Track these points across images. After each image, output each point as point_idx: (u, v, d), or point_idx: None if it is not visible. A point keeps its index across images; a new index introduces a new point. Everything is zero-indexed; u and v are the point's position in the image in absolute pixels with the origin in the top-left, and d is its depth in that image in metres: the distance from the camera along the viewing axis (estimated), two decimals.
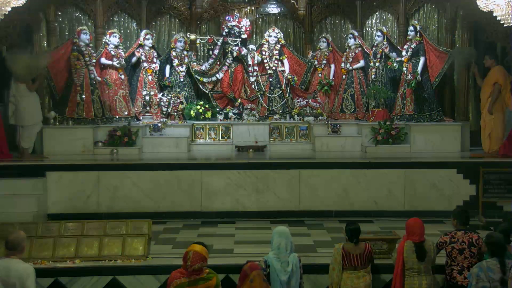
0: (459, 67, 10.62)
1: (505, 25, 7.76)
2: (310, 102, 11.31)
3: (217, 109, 11.42)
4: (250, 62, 11.45)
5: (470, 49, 10.40)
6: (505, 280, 4.91)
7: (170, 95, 11.06)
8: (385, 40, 10.94)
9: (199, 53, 12.22)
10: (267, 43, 11.55)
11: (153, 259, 6.83)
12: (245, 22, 11.59)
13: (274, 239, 5.62)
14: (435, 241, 6.13)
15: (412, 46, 10.57)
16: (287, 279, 5.36)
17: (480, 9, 8.08)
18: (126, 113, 10.92)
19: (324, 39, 11.73)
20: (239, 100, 11.43)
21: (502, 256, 5.05)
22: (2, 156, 9.19)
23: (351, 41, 11.41)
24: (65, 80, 10.37)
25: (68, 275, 6.55)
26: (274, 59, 11.48)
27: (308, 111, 11.21)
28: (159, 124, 10.59)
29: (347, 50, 11.54)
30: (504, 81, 9.45)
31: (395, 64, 10.62)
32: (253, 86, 11.52)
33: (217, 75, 11.49)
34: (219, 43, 11.59)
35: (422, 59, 10.50)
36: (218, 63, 11.65)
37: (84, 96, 10.19)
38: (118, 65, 10.80)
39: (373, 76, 11.09)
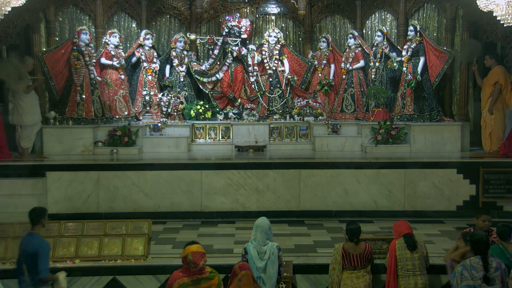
0: (463, 59, 10.48)
1: (505, 25, 7.76)
2: (310, 102, 11.31)
3: (217, 109, 11.42)
4: (250, 62, 11.44)
5: (476, 43, 10.15)
6: (488, 277, 4.99)
7: (170, 95, 11.06)
8: (385, 40, 10.93)
9: (199, 53, 12.22)
10: (267, 43, 11.55)
11: (153, 259, 6.84)
12: (245, 22, 11.58)
13: (253, 230, 5.77)
14: (435, 242, 6.16)
15: (412, 46, 10.55)
16: (264, 266, 5.57)
17: (480, 9, 8.06)
18: (126, 113, 10.91)
19: (324, 39, 11.72)
20: (239, 100, 11.42)
21: (485, 254, 5.11)
22: (2, 156, 9.20)
23: (351, 41, 11.40)
24: (65, 80, 10.36)
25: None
26: (274, 59, 11.48)
27: (308, 111, 11.21)
28: (159, 124, 10.59)
29: (347, 50, 11.53)
30: (504, 81, 9.44)
31: (395, 64, 10.61)
32: (253, 86, 11.51)
33: (217, 75, 11.48)
34: (219, 43, 11.59)
35: (422, 59, 10.48)
36: (218, 63, 11.64)
37: (84, 96, 10.19)
38: (118, 65, 10.80)
39: (373, 76, 11.08)
